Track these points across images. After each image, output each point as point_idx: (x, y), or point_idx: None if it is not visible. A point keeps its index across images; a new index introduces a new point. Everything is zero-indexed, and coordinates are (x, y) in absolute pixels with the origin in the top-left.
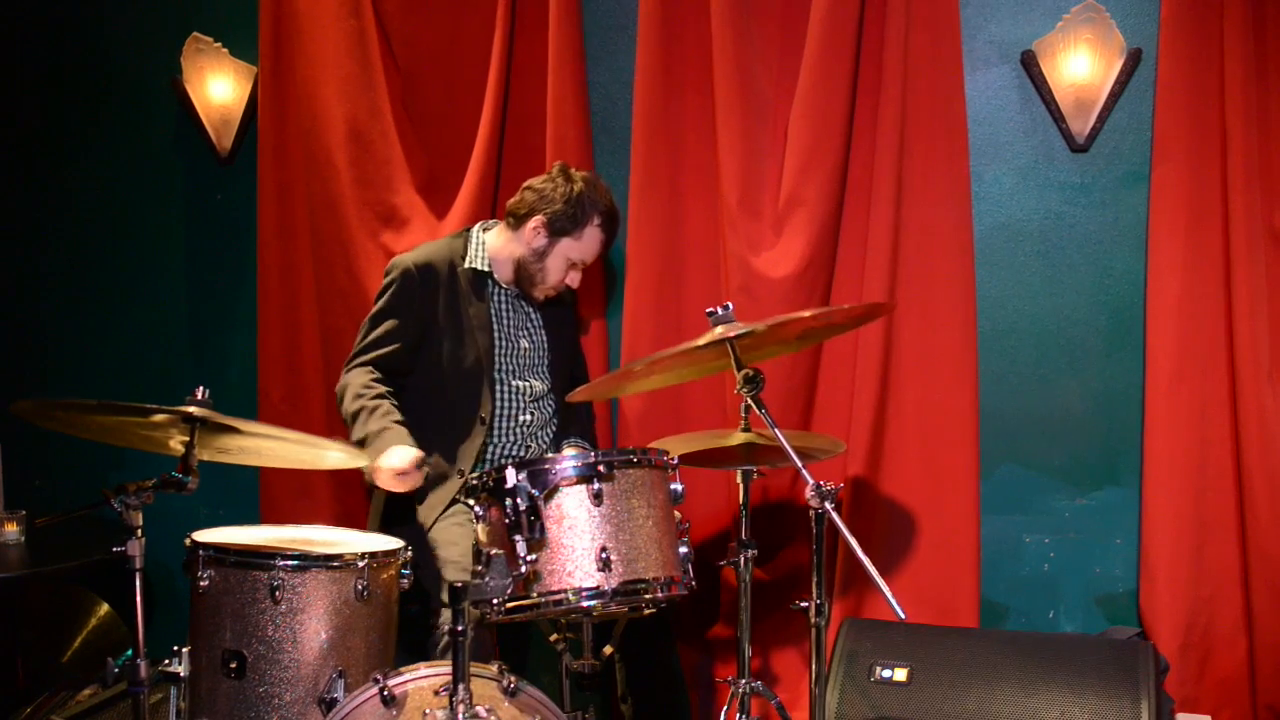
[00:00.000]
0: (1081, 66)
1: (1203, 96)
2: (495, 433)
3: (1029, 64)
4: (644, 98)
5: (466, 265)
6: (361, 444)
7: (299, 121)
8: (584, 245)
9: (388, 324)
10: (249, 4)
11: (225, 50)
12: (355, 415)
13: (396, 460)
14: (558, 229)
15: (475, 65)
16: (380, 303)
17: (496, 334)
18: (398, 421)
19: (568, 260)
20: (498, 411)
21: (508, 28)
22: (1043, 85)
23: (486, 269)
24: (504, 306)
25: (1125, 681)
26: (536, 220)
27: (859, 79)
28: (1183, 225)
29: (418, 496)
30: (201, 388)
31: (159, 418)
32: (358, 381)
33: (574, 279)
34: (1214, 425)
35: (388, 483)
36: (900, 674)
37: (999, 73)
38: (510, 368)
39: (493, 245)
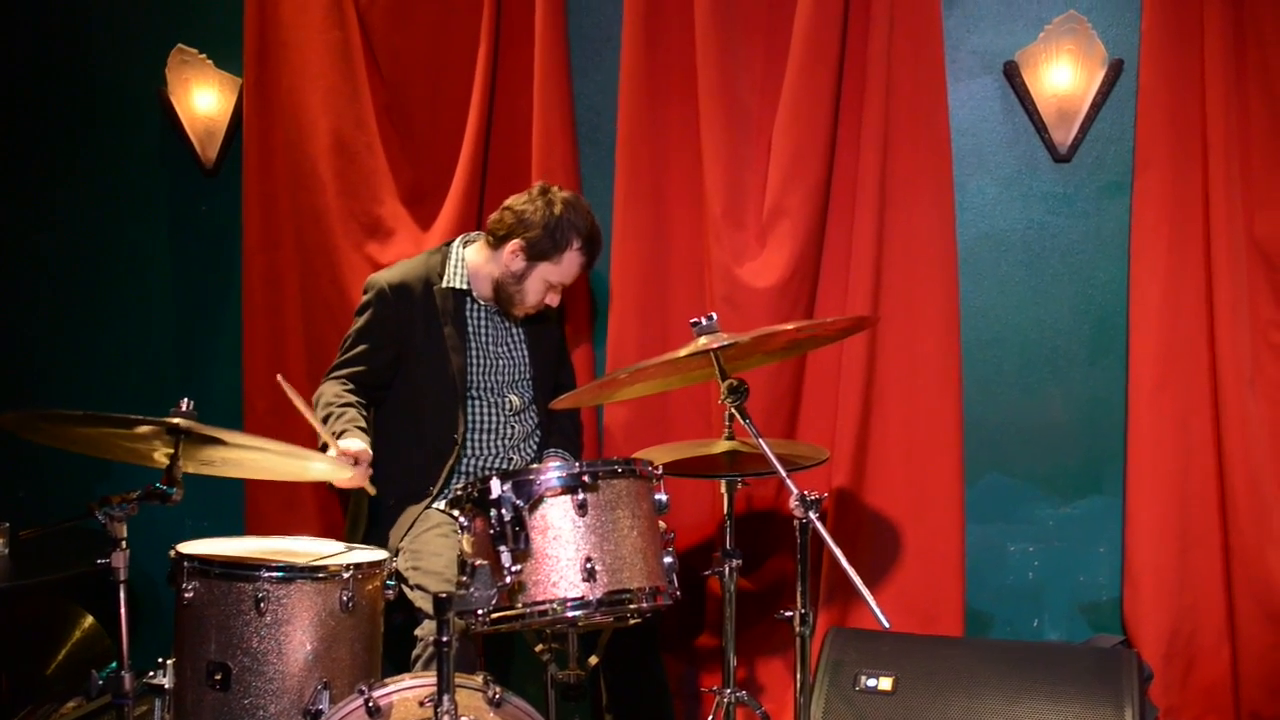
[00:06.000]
0: (1064, 77)
1: (1183, 106)
2: (469, 449)
3: (1011, 74)
4: (629, 109)
5: (444, 284)
6: (324, 449)
7: (284, 133)
8: (563, 269)
9: (362, 346)
10: (234, 16)
11: (210, 62)
12: (323, 422)
13: (345, 444)
14: (536, 253)
15: (460, 77)
16: (357, 322)
17: (473, 352)
18: (360, 428)
19: (546, 283)
20: (471, 429)
21: (493, 40)
22: (1025, 96)
23: (465, 287)
24: (482, 323)
25: (1109, 690)
26: (514, 244)
27: (842, 89)
28: (1164, 234)
29: (390, 515)
30: (186, 399)
31: (143, 429)
32: (330, 391)
33: (553, 299)
34: (1196, 433)
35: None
36: (885, 683)
37: (982, 83)
38: (489, 384)
39: (473, 262)
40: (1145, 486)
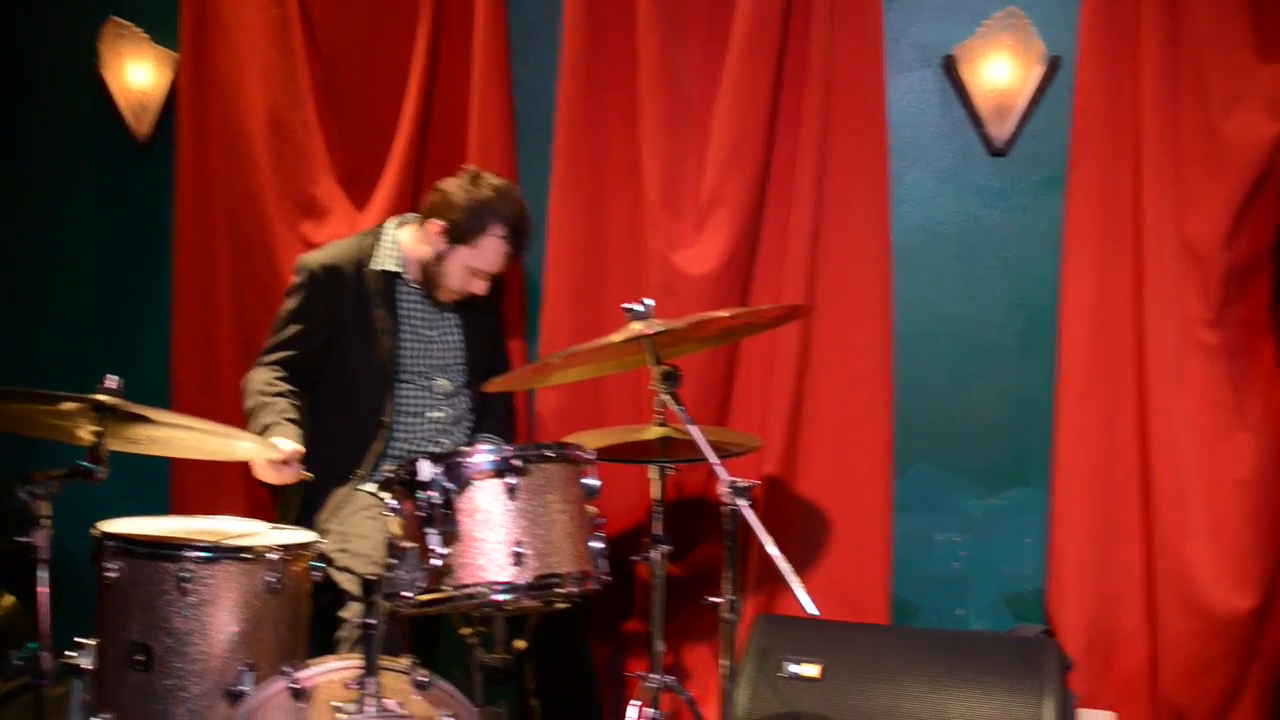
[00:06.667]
0: (1002, 72)
1: (1118, 104)
2: (398, 433)
3: (950, 69)
4: (568, 94)
5: (374, 266)
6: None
7: (219, 109)
8: (482, 255)
9: (292, 328)
10: None
11: (146, 36)
12: (252, 411)
13: (275, 448)
14: (456, 236)
15: (400, 56)
16: (287, 304)
17: (404, 335)
18: (290, 419)
19: (467, 268)
20: (400, 413)
21: (432, 20)
22: (963, 90)
23: (397, 269)
24: (415, 307)
25: (1030, 678)
26: (437, 224)
27: (782, 79)
28: (1096, 231)
29: (316, 497)
30: (113, 376)
31: (68, 406)
32: (259, 379)
33: (479, 287)
34: (1122, 428)
35: (263, 472)
36: (811, 670)
37: (920, 76)
38: (420, 368)
39: (405, 244)
40: (1071, 479)
